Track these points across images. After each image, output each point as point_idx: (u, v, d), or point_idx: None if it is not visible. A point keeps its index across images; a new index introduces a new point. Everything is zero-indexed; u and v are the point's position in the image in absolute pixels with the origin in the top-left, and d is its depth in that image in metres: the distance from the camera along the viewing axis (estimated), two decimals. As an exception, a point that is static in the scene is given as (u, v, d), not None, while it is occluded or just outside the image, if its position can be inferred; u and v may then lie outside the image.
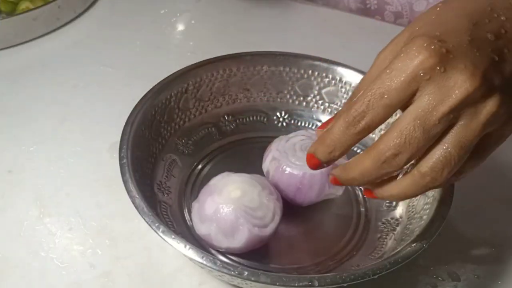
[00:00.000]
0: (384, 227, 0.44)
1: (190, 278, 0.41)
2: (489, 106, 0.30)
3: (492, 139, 0.32)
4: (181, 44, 0.68)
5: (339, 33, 0.70)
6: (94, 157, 0.51)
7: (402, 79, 0.29)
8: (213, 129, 0.51)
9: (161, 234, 0.35)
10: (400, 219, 0.44)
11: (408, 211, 0.44)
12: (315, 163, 0.34)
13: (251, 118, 0.53)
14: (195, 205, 0.41)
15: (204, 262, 0.34)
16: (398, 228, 0.43)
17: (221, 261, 0.34)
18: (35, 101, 0.57)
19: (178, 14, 0.73)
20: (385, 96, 0.30)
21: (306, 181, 0.42)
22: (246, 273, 0.33)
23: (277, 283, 0.33)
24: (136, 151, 0.42)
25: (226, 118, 0.52)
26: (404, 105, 0.30)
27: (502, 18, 0.32)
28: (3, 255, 0.42)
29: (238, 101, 0.53)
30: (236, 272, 0.33)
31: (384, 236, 0.43)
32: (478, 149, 0.32)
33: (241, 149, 0.51)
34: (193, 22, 0.73)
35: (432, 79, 0.29)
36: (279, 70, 0.52)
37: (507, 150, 0.55)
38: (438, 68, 0.29)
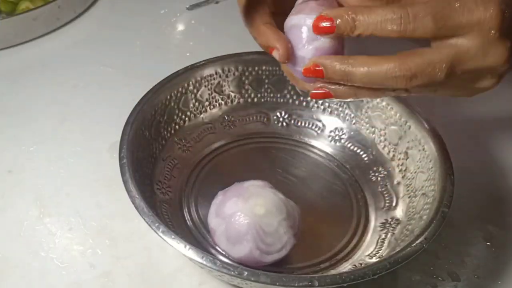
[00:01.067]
0: (384, 227, 0.44)
1: (190, 278, 0.41)
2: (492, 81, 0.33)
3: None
4: (181, 44, 0.68)
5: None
6: (94, 157, 0.51)
7: (465, 18, 0.30)
8: (213, 129, 0.51)
9: (161, 234, 0.35)
10: (400, 219, 0.44)
11: (408, 211, 0.44)
12: (326, 30, 0.32)
13: (251, 118, 0.53)
14: (220, 196, 0.41)
15: (204, 262, 0.34)
16: (398, 228, 0.43)
17: (221, 261, 0.34)
18: (35, 101, 0.57)
19: (178, 14, 0.73)
20: (442, 20, 0.30)
21: None
22: (246, 273, 0.33)
23: (277, 283, 0.33)
24: (136, 151, 0.42)
25: (226, 118, 0.52)
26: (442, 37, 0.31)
27: None
28: (3, 255, 0.42)
29: (238, 101, 0.53)
30: (236, 272, 0.33)
31: (384, 236, 0.43)
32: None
33: (241, 149, 0.51)
34: (193, 22, 0.73)
35: (483, 37, 0.31)
36: (279, 70, 0.52)
37: (507, 151, 0.55)
38: (493, 32, 0.30)
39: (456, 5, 0.30)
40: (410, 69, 0.31)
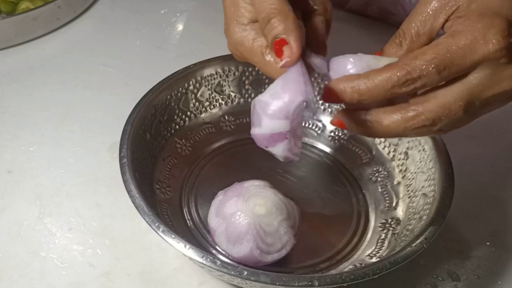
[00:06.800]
0: (384, 227, 0.44)
1: (190, 278, 0.41)
2: None
3: None
4: (181, 44, 0.68)
5: (339, 34, 0.70)
6: (94, 157, 0.51)
7: (471, 59, 0.30)
8: (213, 129, 0.51)
9: (161, 234, 0.35)
10: (400, 219, 0.44)
11: (408, 211, 0.44)
12: (334, 99, 0.33)
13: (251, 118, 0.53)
14: (220, 195, 0.41)
15: (204, 262, 0.34)
16: (398, 228, 0.43)
17: (221, 260, 0.34)
18: (35, 101, 0.57)
19: (178, 14, 0.73)
20: (446, 69, 0.30)
21: None
22: (246, 272, 0.33)
23: (277, 283, 0.33)
24: (136, 151, 0.42)
25: (226, 118, 0.52)
26: None
27: None
28: (3, 255, 0.42)
29: (238, 101, 0.53)
30: (236, 272, 0.33)
31: (384, 236, 0.43)
32: None
33: (241, 149, 0.51)
34: (193, 22, 0.73)
35: (493, 67, 0.30)
36: (279, 70, 0.51)
37: (508, 150, 0.55)
38: (502, 60, 0.30)
39: (456, 49, 0.30)
40: (427, 119, 0.31)
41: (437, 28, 0.33)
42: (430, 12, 0.33)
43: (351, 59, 0.34)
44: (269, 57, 0.35)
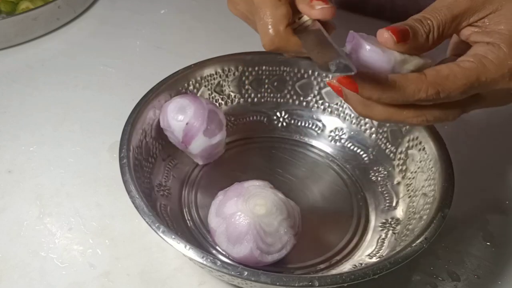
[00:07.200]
0: (384, 227, 0.44)
1: (190, 278, 0.41)
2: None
3: None
4: (181, 44, 0.68)
5: (339, 34, 0.70)
6: (94, 157, 0.51)
7: (493, 87, 0.33)
8: (213, 129, 0.51)
9: (161, 234, 0.35)
10: (400, 219, 0.44)
11: (408, 211, 0.44)
12: (351, 88, 0.32)
13: (251, 118, 0.53)
14: (220, 195, 0.41)
15: (204, 262, 0.34)
16: (398, 228, 0.43)
17: (221, 261, 0.34)
18: (35, 101, 0.57)
19: (178, 14, 0.73)
20: (469, 93, 0.33)
21: None
22: (246, 273, 0.33)
23: (277, 283, 0.33)
24: (136, 151, 0.42)
25: (226, 118, 0.52)
26: None
27: None
28: (3, 255, 0.42)
29: (238, 101, 0.53)
30: (236, 272, 0.33)
31: (384, 236, 0.43)
32: None
33: (241, 149, 0.51)
34: (193, 22, 0.73)
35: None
36: (279, 70, 0.52)
37: (507, 150, 0.55)
38: None
39: (485, 81, 0.32)
40: (428, 121, 0.34)
41: (459, 30, 0.34)
42: (459, 14, 0.33)
43: (379, 51, 0.33)
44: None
